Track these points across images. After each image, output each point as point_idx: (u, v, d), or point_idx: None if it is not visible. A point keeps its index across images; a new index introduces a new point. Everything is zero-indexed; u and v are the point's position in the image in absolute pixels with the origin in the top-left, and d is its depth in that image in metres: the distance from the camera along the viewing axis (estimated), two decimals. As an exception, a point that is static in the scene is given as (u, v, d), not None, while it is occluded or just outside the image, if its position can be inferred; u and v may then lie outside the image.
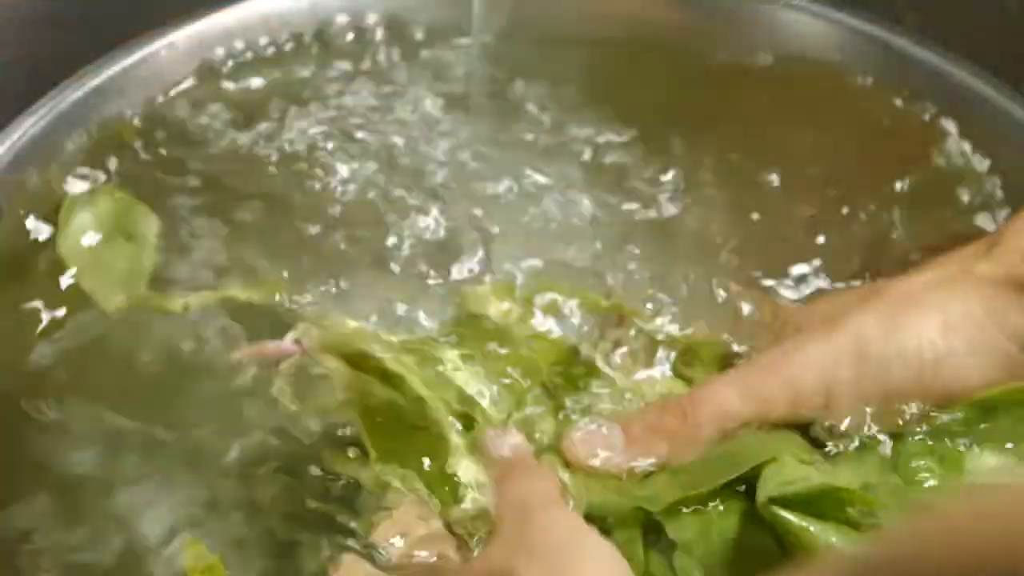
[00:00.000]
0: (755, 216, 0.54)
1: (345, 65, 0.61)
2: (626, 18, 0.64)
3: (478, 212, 0.54)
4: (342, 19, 0.61)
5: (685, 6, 0.64)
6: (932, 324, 0.36)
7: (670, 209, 0.55)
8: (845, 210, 0.54)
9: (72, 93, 0.55)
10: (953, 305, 0.36)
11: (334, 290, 0.49)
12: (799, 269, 0.51)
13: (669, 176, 0.56)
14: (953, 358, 0.35)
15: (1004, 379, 0.35)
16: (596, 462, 0.37)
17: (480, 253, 0.52)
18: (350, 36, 0.62)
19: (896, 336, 0.36)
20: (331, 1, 0.61)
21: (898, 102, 0.59)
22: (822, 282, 0.50)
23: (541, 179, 0.56)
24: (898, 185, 0.55)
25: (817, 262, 0.51)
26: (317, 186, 0.55)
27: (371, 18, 0.62)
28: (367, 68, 0.61)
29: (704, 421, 0.37)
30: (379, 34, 0.62)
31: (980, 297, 0.36)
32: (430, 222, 0.53)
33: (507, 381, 0.40)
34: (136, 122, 0.57)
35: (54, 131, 0.54)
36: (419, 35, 0.63)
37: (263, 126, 0.57)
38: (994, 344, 0.35)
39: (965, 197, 0.55)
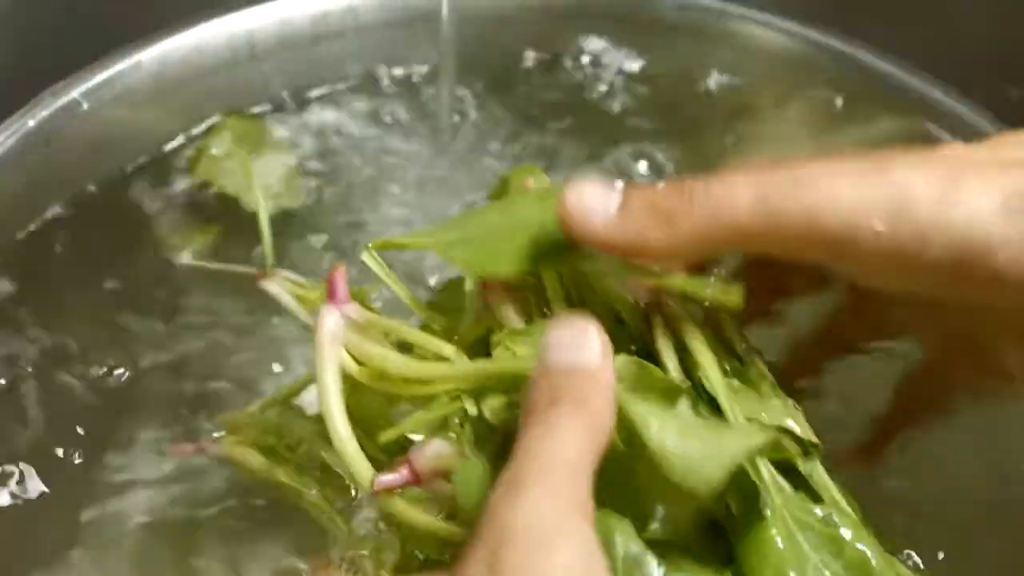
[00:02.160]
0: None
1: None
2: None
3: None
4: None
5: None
6: (992, 200, 0.30)
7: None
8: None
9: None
10: (1020, 186, 0.30)
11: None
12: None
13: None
14: (1007, 246, 0.30)
15: None
16: (585, 223, 0.32)
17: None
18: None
19: (947, 202, 0.30)
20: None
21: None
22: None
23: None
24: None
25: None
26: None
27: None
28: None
29: (711, 213, 0.31)
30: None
31: None
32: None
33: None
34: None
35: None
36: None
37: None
38: None
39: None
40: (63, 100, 0.56)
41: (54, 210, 0.56)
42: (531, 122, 0.64)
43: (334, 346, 0.35)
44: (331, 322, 0.36)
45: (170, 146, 0.59)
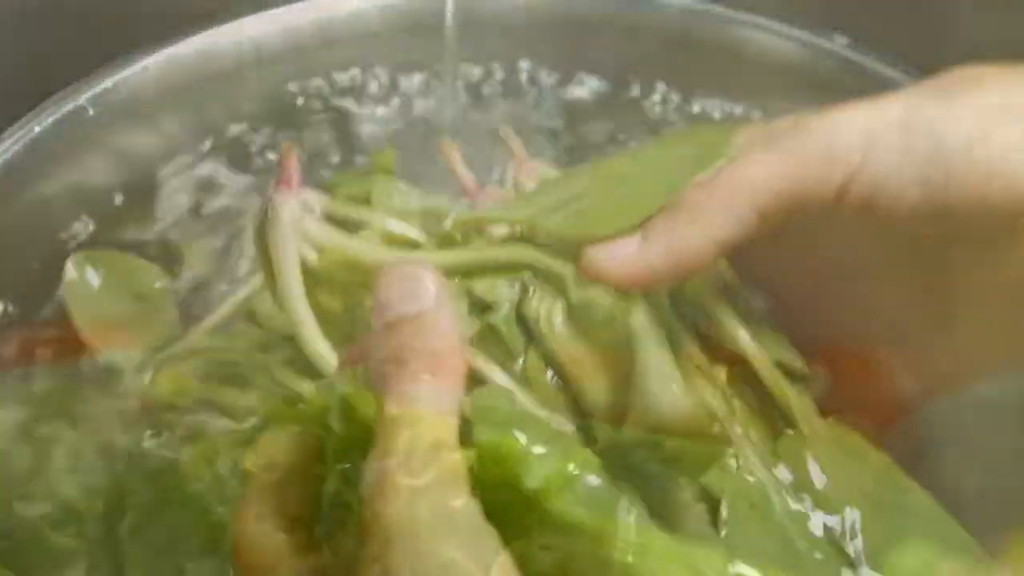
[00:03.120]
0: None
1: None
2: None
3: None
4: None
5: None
6: (992, 102, 0.32)
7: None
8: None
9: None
10: (1017, 90, 0.32)
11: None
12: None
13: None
14: (1004, 140, 0.31)
15: None
16: (621, 268, 0.32)
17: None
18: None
19: (951, 105, 0.32)
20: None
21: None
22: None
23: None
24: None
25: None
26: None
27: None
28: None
29: (737, 184, 0.33)
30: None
31: None
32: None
33: None
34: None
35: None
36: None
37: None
38: None
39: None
40: (69, 106, 0.56)
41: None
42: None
43: (293, 236, 0.32)
44: (288, 211, 0.32)
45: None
